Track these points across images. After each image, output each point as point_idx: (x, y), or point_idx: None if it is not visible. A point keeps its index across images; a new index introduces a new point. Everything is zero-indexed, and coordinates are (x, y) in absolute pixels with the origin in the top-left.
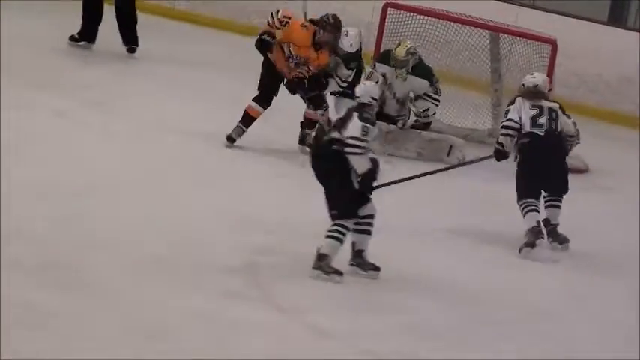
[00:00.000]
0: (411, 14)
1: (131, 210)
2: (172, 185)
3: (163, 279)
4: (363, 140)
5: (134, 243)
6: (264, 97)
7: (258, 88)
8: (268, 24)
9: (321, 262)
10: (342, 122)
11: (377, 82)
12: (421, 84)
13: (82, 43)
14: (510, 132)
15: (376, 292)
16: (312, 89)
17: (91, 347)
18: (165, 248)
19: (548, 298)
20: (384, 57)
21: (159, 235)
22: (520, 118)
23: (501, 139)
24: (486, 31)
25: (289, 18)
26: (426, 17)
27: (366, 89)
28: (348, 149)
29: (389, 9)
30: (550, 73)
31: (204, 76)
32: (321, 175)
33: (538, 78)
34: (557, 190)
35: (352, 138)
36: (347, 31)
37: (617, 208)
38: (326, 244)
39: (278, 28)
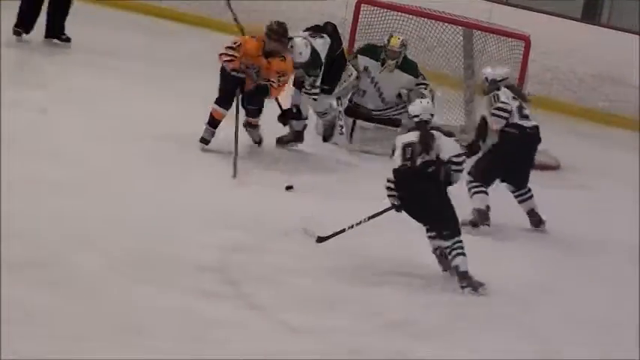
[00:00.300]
0: (385, 10)
1: (104, 208)
2: (146, 183)
3: (137, 277)
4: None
5: (107, 241)
6: (225, 99)
7: (219, 91)
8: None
9: (468, 279)
10: (425, 145)
11: (351, 75)
12: (408, 79)
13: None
14: (504, 114)
15: (352, 290)
16: (254, 100)
17: (63, 344)
18: (138, 246)
19: (526, 291)
20: (367, 50)
21: (132, 234)
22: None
23: (494, 120)
24: (460, 27)
25: (238, 40)
26: (399, 13)
27: (425, 107)
28: (454, 167)
29: (362, 5)
30: (523, 70)
31: (181, 74)
32: (418, 196)
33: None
34: (520, 184)
35: (455, 157)
36: (291, 43)
37: (589, 205)
38: (461, 262)
39: (236, 53)
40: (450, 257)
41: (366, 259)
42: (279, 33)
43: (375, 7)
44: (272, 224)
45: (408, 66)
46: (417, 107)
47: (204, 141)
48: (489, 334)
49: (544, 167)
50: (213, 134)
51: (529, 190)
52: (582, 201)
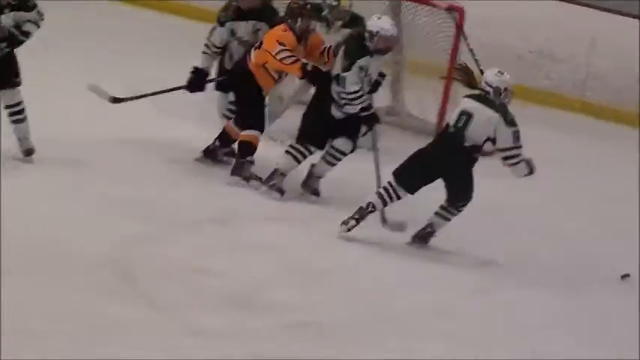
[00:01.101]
0: None
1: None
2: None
3: (33, 275)
4: (518, 147)
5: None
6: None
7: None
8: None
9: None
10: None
11: None
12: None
13: None
14: None
15: (259, 290)
16: None
17: None
18: (34, 243)
19: (449, 295)
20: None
21: (28, 229)
22: None
23: None
24: None
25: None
26: None
27: (504, 79)
28: (508, 161)
29: None
30: (456, 44)
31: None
32: (443, 169)
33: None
34: None
35: (508, 149)
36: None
37: (528, 190)
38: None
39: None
40: (437, 215)
41: (272, 255)
42: (301, 8)
43: None
44: (175, 218)
45: (355, 23)
46: (494, 78)
47: (261, 179)
48: (399, 338)
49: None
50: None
51: None
52: (521, 186)
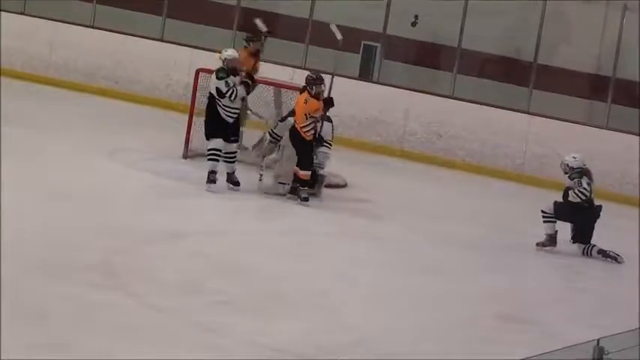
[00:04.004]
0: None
1: (20, 223)
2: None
3: (43, 274)
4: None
5: (21, 247)
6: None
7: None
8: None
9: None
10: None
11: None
12: None
13: None
14: (584, 198)
15: (200, 279)
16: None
17: None
18: (43, 251)
19: (326, 278)
20: None
21: (41, 242)
22: None
23: (575, 197)
24: (271, 86)
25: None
26: None
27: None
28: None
29: (201, 72)
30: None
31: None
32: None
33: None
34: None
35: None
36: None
37: (378, 210)
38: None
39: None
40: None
41: (221, 254)
42: (319, 79)
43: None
44: (143, 232)
45: None
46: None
47: (306, 199)
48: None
49: (333, 186)
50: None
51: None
52: (366, 212)
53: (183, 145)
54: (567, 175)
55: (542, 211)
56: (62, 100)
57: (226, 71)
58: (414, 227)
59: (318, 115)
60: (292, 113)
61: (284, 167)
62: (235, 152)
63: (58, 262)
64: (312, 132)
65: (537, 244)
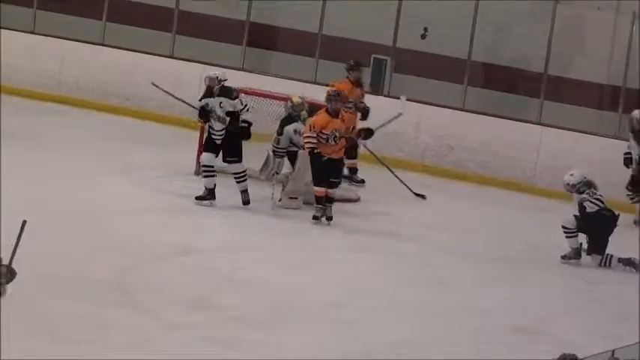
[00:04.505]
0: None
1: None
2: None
3: (54, 290)
4: None
5: (40, 264)
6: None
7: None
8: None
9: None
10: None
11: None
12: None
13: None
14: (600, 204)
15: (212, 294)
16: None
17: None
18: (54, 268)
19: (339, 291)
20: (287, 119)
21: (54, 259)
22: None
23: (591, 205)
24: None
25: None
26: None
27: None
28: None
29: None
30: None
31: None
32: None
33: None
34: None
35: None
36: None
37: (392, 225)
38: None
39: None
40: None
41: (225, 272)
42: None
43: None
44: (154, 251)
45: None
46: None
47: (317, 218)
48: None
49: (347, 200)
50: (320, 210)
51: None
52: (384, 222)
53: (194, 162)
54: (574, 192)
55: (564, 226)
56: (73, 118)
57: (205, 93)
58: (428, 240)
59: (329, 130)
60: (285, 122)
61: (295, 182)
62: (239, 173)
63: (68, 279)
64: (311, 145)
65: (562, 257)
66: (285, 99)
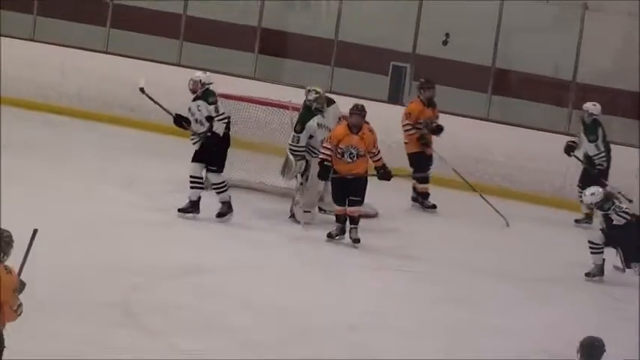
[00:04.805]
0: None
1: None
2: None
3: (60, 313)
4: None
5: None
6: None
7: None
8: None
9: None
10: None
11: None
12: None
13: None
14: (628, 218)
15: (221, 318)
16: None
17: None
18: (59, 289)
19: (356, 312)
20: (305, 115)
21: (58, 281)
22: None
23: (619, 219)
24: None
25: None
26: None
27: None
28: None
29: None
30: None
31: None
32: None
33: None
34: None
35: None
36: None
37: (406, 242)
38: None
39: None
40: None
41: (236, 294)
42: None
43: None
44: (161, 271)
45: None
46: None
47: (330, 236)
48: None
49: (364, 216)
50: (338, 228)
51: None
52: (399, 240)
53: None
54: (599, 207)
55: (590, 242)
56: (76, 129)
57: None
58: (448, 257)
59: (344, 145)
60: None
61: (309, 193)
62: (217, 184)
63: (69, 297)
64: (324, 156)
65: (586, 275)
66: (275, 105)
